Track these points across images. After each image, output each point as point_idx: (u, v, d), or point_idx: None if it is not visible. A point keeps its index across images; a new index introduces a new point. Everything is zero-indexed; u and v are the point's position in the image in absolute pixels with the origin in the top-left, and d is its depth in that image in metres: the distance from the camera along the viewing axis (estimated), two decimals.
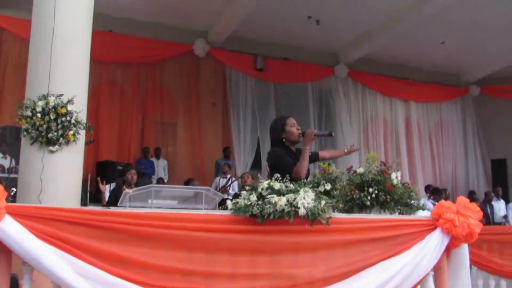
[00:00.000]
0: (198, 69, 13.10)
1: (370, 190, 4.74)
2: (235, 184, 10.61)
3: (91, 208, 3.09)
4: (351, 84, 14.82)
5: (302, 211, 3.17)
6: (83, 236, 2.89)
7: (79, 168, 6.18)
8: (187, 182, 8.73)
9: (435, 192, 12.00)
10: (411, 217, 3.91)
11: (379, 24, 12.61)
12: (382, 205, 4.78)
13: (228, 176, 10.88)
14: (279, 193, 3.25)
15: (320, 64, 14.37)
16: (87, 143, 8.95)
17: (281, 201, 3.16)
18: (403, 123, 15.53)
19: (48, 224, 2.86)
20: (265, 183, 3.32)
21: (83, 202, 8.82)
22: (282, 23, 12.52)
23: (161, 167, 11.99)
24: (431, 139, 15.90)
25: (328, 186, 5.86)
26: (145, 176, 11.31)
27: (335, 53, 14.64)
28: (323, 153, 4.80)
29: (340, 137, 13.90)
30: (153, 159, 12.00)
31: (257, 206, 3.16)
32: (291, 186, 3.36)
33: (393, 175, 4.90)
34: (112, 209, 3.02)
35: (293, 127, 4.38)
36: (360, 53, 14.23)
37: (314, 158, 4.65)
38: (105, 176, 10.65)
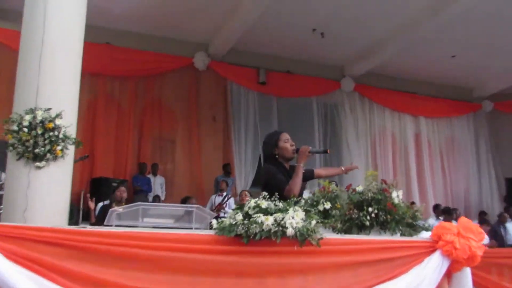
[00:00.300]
0: (198, 82, 13.13)
1: (370, 209, 4.69)
2: (231, 201, 10.56)
3: (68, 227, 3.04)
4: (357, 99, 14.80)
5: (290, 231, 3.12)
6: (57, 257, 2.84)
7: (67, 185, 6.12)
8: (184, 200, 8.70)
9: (445, 212, 11.88)
10: (409, 238, 3.83)
11: (387, 36, 12.59)
12: (383, 225, 4.72)
13: (225, 193, 10.84)
14: (267, 212, 3.20)
15: (325, 78, 14.38)
16: (82, 158, 8.96)
17: (268, 221, 3.11)
18: (412, 139, 15.46)
19: (20, 244, 2.82)
20: (252, 202, 3.26)
21: (74, 220, 8.78)
22: (286, 35, 12.54)
23: (158, 184, 11.95)
24: (442, 156, 15.79)
25: (327, 205, 5.81)
26: (141, 193, 11.28)
27: (341, 66, 14.64)
28: (319, 171, 4.74)
29: (346, 154, 13.85)
30: (150, 176, 11.97)
31: (242, 226, 3.11)
32: (280, 204, 3.30)
33: (394, 194, 4.84)
34: (88, 228, 2.96)
35: (286, 142, 4.35)
36: (367, 66, 14.21)
37: (309, 175, 4.59)
38: (99, 193, 10.65)
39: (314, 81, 14.19)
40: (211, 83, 13.24)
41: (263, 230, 3.10)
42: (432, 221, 11.26)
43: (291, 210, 3.23)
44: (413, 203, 10.94)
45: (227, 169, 12.33)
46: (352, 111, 14.64)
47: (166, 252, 3.01)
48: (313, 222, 3.27)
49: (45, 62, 5.87)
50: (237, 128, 13.18)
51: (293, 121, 13.74)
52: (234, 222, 3.15)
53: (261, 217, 3.12)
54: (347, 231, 4.93)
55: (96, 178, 11.33)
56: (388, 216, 4.68)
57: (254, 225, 3.10)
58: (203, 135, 12.87)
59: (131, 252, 2.96)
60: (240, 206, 3.27)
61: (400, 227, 4.84)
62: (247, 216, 3.18)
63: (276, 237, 3.10)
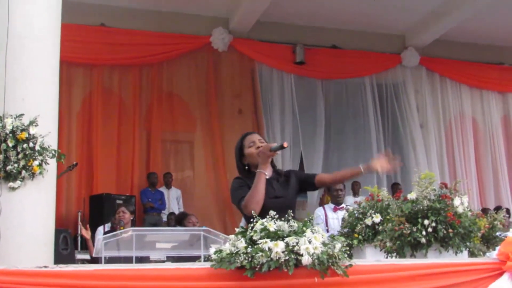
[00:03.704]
0: (218, 67, 13.21)
1: (426, 222, 4.65)
2: None
3: (29, 268, 3.10)
4: (424, 75, 14.66)
5: (306, 259, 3.11)
6: None
7: (51, 208, 6.23)
8: (180, 219, 8.48)
9: None
10: (470, 260, 3.79)
11: None
12: (443, 242, 4.68)
13: None
14: (277, 236, 3.20)
15: (382, 52, 14.28)
16: (69, 168, 9.11)
17: (277, 247, 3.11)
18: (500, 122, 15.28)
19: None
20: (258, 224, 3.27)
21: (69, 251, 8.93)
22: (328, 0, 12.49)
23: (173, 198, 12.08)
24: None
25: (377, 218, 5.79)
26: (152, 211, 11.42)
27: (402, 35, 14.52)
28: (322, 177, 4.58)
29: (410, 148, 13.68)
30: (163, 189, 12.10)
31: (245, 256, 3.11)
32: (296, 225, 3.30)
33: (457, 201, 4.79)
34: (51, 267, 3.03)
35: (251, 147, 4.26)
36: (435, 34, 14.06)
37: (306, 184, 4.47)
38: (101, 214, 10.83)
39: (367, 57, 14.12)
40: (234, 66, 13.32)
41: (271, 259, 3.09)
42: None
43: (308, 232, 3.22)
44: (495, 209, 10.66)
45: None
46: (418, 92, 14.50)
47: None
48: (338, 245, 3.25)
49: (12, 57, 5.97)
50: (270, 121, 13.22)
51: (342, 109, 13.68)
52: (235, 251, 3.16)
53: (268, 243, 3.12)
54: (398, 251, 4.90)
55: (96, 195, 11.51)
56: (450, 230, 4.64)
57: (260, 254, 3.10)
58: (228, 133, 12.88)
59: None
60: (243, 230, 3.28)
61: (467, 244, 4.79)
62: (251, 242, 3.19)
63: (288, 267, 3.09)
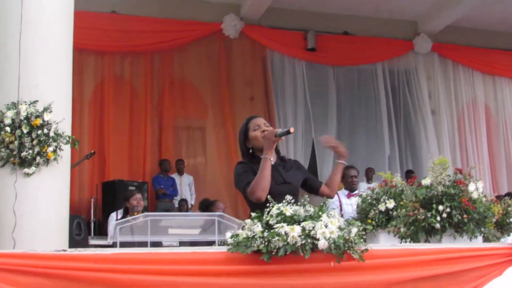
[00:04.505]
0: (229, 54, 13.22)
1: (440, 207, 4.66)
2: None
3: (48, 251, 3.13)
4: (436, 61, 14.61)
5: (322, 244, 3.12)
6: None
7: (65, 194, 6.28)
8: (206, 206, 8.55)
9: None
10: (485, 245, 3.80)
11: None
12: (458, 227, 4.69)
13: None
14: (293, 220, 3.21)
15: (394, 38, 14.23)
16: (87, 157, 9.19)
17: (294, 232, 3.12)
18: None
19: None
20: (274, 208, 3.29)
21: (83, 236, 8.99)
22: None
23: (185, 184, 12.13)
24: None
25: (391, 204, 5.81)
26: (164, 197, 11.47)
27: (414, 21, 14.49)
28: (325, 191, 4.48)
29: (422, 136, 13.66)
30: (175, 175, 12.15)
31: (262, 240, 3.13)
32: (312, 209, 3.31)
33: (471, 187, 4.79)
34: (69, 251, 3.06)
35: (256, 130, 4.21)
36: (448, 20, 14.00)
37: (308, 184, 4.42)
38: (114, 200, 10.89)
39: (379, 43, 14.09)
40: (246, 53, 13.32)
41: (287, 243, 3.11)
42: None
43: (324, 217, 3.24)
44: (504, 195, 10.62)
45: None
46: (430, 78, 14.47)
47: (168, 277, 3.07)
48: (354, 230, 3.27)
49: (25, 44, 5.99)
50: (282, 108, 13.22)
51: (353, 95, 13.67)
52: (251, 235, 3.18)
53: (284, 227, 3.13)
54: (412, 236, 4.92)
55: (108, 182, 11.58)
56: (464, 216, 4.64)
57: (277, 238, 3.12)
58: (239, 120, 12.85)
59: (125, 279, 3.03)
60: (259, 215, 3.29)
61: (482, 229, 4.79)
62: (267, 226, 3.21)
63: (304, 252, 3.11)
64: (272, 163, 4.03)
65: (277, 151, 4.25)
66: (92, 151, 9.67)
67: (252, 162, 4.11)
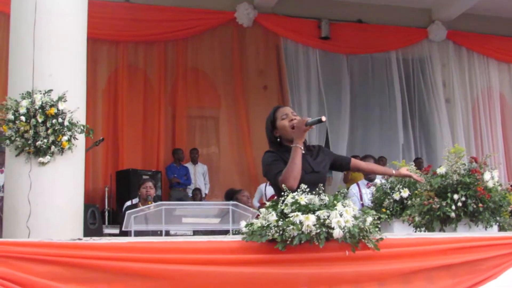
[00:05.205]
0: (242, 43, 13.19)
1: (455, 196, 4.64)
2: None
3: (64, 240, 3.15)
4: (451, 49, 14.50)
5: (337, 233, 3.13)
6: (48, 278, 2.96)
7: (79, 183, 6.31)
8: (230, 195, 8.56)
9: None
10: (502, 234, 3.78)
11: None
12: (473, 216, 4.67)
13: None
14: (308, 209, 3.21)
15: (408, 26, 14.15)
16: (95, 144, 9.19)
17: (309, 220, 3.13)
18: None
19: (4, 263, 2.95)
20: (289, 197, 3.29)
21: (97, 225, 9.05)
22: None
23: (199, 173, 12.15)
24: None
25: (405, 193, 5.80)
26: (178, 186, 11.49)
27: (428, 8, 14.38)
28: (358, 163, 4.55)
29: (436, 124, 13.60)
30: (189, 165, 12.18)
31: (276, 229, 3.14)
32: (326, 198, 3.31)
33: (487, 175, 4.77)
34: (84, 240, 3.07)
35: (284, 119, 4.19)
36: (462, 7, 13.86)
37: (338, 165, 4.42)
38: (127, 189, 10.94)
39: (393, 31, 14.00)
40: (259, 42, 13.28)
41: (302, 232, 3.12)
42: None
43: (339, 206, 3.23)
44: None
45: None
46: (445, 66, 14.36)
47: (183, 266, 3.10)
48: (369, 219, 3.26)
49: (40, 33, 6.01)
50: (296, 97, 13.21)
51: (367, 84, 13.63)
52: (266, 224, 3.19)
53: (299, 216, 3.14)
54: (427, 225, 4.90)
55: (122, 171, 11.63)
56: (480, 205, 4.63)
57: (291, 227, 3.13)
58: (253, 109, 12.91)
59: (139, 268, 3.05)
60: (274, 203, 3.29)
61: (497, 218, 4.77)
62: (282, 215, 3.21)
63: (319, 240, 3.11)
64: (303, 152, 4.02)
65: (304, 141, 4.21)
66: (101, 138, 9.68)
67: (280, 151, 4.11)
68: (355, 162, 4.46)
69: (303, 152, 3.99)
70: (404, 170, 4.48)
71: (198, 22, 12.75)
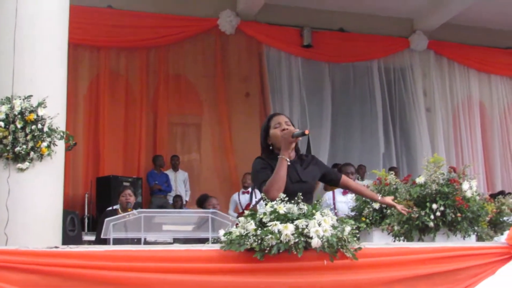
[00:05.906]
0: (225, 50, 13.18)
1: (434, 206, 4.67)
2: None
3: (39, 248, 3.12)
4: (432, 59, 14.60)
5: (315, 242, 3.13)
6: (23, 286, 2.94)
7: (59, 190, 6.26)
8: (201, 201, 8.54)
9: None
10: (479, 244, 3.80)
11: None
12: (451, 226, 4.69)
13: (250, 189, 10.71)
14: (287, 218, 3.21)
15: (390, 35, 14.21)
16: (68, 148, 9.10)
17: (287, 230, 3.12)
18: (508, 107, 15.19)
19: None
20: (268, 206, 3.28)
21: (77, 232, 8.97)
22: None
23: (180, 180, 12.10)
24: None
25: None
26: (159, 193, 11.44)
27: (410, 18, 14.46)
28: (348, 181, 4.53)
29: (417, 134, 13.67)
30: (169, 172, 12.13)
31: (255, 238, 3.13)
32: (305, 208, 3.31)
33: (465, 185, 4.80)
34: (61, 248, 3.04)
35: (277, 128, 4.21)
36: (444, 17, 13.98)
37: (327, 178, 4.43)
38: (108, 196, 10.87)
39: (374, 40, 14.06)
40: (242, 49, 13.29)
41: (281, 241, 3.11)
42: None
43: (318, 215, 3.23)
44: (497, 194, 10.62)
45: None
46: (426, 76, 14.47)
47: (162, 275, 3.08)
48: (347, 228, 3.26)
49: (20, 38, 5.97)
50: (278, 105, 13.17)
51: (349, 92, 13.69)
52: (245, 233, 3.18)
53: (278, 226, 3.13)
54: (406, 234, 4.92)
55: (103, 177, 11.55)
56: (458, 215, 4.65)
57: (270, 236, 3.12)
58: (235, 116, 12.92)
59: (116, 276, 3.02)
60: (252, 213, 3.28)
61: (475, 228, 4.80)
62: (261, 224, 3.20)
63: (297, 250, 3.10)
64: (290, 161, 4.00)
65: (297, 149, 4.24)
66: (74, 142, 9.59)
67: (271, 158, 4.10)
68: (345, 179, 4.41)
69: (289, 163, 3.97)
70: (389, 199, 4.47)
71: (181, 29, 12.73)
